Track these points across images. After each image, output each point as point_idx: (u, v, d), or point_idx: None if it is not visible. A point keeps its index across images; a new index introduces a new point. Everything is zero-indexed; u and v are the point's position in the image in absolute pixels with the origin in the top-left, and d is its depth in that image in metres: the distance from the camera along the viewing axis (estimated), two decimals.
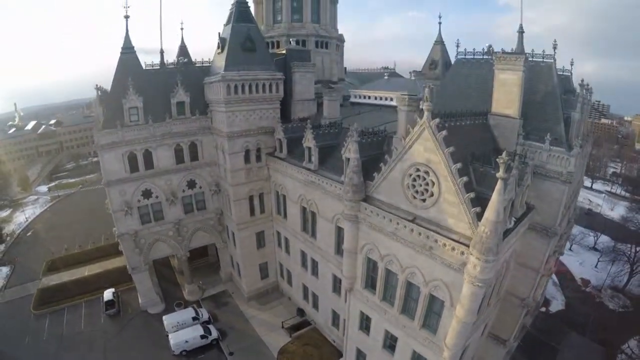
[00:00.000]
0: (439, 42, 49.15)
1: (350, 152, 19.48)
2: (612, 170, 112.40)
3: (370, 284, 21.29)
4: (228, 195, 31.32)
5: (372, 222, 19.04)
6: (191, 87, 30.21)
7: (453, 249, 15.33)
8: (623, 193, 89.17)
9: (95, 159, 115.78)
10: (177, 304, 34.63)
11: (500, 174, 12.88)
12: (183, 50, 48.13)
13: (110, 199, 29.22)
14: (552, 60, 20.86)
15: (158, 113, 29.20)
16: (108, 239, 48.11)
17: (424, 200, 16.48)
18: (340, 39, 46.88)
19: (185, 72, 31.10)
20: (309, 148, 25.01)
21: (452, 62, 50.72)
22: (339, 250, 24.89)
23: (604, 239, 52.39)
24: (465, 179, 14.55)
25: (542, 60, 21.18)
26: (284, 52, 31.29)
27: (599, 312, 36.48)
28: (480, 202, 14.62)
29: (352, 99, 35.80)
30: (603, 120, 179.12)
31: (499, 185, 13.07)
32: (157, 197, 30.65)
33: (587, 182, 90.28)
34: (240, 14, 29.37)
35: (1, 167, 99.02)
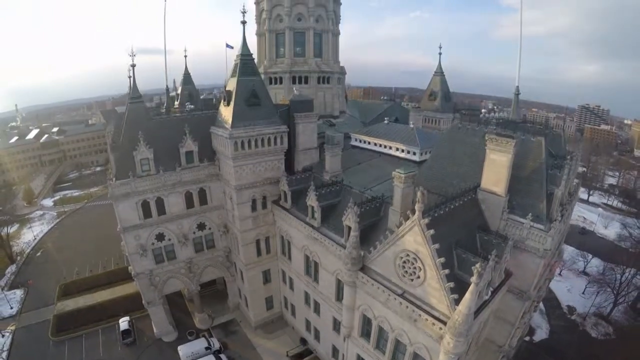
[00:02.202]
0: (439, 73, 50.73)
1: (351, 226, 21.55)
2: (610, 180, 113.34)
3: (366, 334, 23.69)
4: (236, 239, 33.54)
5: (368, 290, 21.28)
6: (199, 135, 31.66)
7: (433, 324, 17.78)
8: (619, 205, 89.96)
9: (98, 169, 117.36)
10: (190, 332, 37.22)
11: (473, 278, 15.04)
12: (187, 79, 50.24)
13: (126, 243, 31.41)
14: (543, 137, 22.37)
15: (168, 162, 30.83)
16: (118, 263, 50.33)
17: (412, 280, 18.66)
18: (342, 72, 48.37)
19: (192, 120, 32.48)
20: (312, 207, 27.05)
21: (451, 90, 52.49)
22: (339, 297, 27.18)
23: (595, 262, 53.89)
24: (447, 271, 16.68)
25: (532, 136, 22.64)
26: (287, 103, 33.00)
27: (582, 341, 38.72)
28: (459, 286, 16.93)
29: (353, 142, 37.58)
30: (602, 127, 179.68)
31: (472, 287, 15.23)
32: (169, 239, 32.86)
33: (584, 195, 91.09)
34: (244, 67, 30.69)
35: (5, 177, 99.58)
